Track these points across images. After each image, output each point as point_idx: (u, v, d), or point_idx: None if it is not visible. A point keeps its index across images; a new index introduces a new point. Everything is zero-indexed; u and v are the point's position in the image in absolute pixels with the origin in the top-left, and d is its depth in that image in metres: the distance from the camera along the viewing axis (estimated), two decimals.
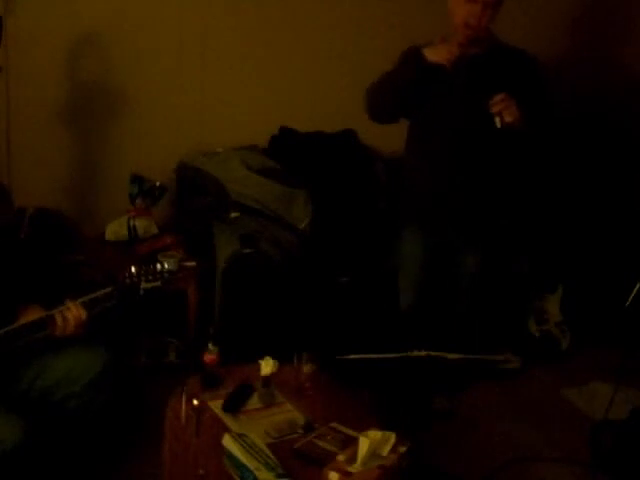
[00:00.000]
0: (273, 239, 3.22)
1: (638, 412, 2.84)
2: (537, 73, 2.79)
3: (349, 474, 1.86)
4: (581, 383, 3.35)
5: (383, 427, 2.01)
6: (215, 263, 3.17)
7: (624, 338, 2.76)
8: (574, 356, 3.59)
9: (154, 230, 3.40)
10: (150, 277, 2.23)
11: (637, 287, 2.49)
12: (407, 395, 2.92)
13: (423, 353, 2.71)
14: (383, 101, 2.79)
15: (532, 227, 3.64)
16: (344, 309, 3.25)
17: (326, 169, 3.59)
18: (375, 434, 1.94)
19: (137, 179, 3.38)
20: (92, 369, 2.27)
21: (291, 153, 3.63)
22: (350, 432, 2.09)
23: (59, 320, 2.14)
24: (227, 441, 1.96)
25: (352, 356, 2.69)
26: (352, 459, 1.90)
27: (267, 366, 2.31)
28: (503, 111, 2.59)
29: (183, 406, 2.17)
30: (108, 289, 2.20)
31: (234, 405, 2.23)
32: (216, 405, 2.23)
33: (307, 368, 2.35)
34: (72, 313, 2.15)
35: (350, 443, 1.99)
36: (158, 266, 2.25)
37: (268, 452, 1.93)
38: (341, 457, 1.92)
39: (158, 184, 3.41)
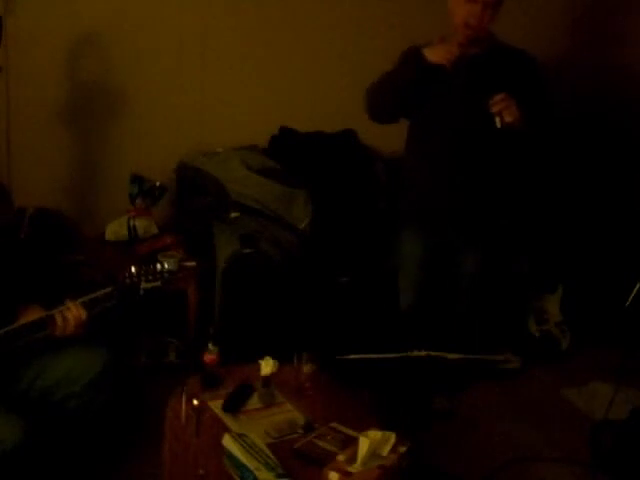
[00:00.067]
0: (273, 239, 3.22)
1: (638, 412, 2.84)
2: (537, 73, 2.79)
3: (349, 474, 1.86)
4: (581, 383, 3.34)
5: (383, 427, 2.00)
6: (215, 263, 3.17)
7: (624, 338, 2.77)
8: (574, 356, 3.59)
9: (154, 230, 3.40)
10: (150, 277, 2.23)
11: (637, 287, 2.49)
12: (407, 395, 2.92)
13: (423, 353, 2.71)
14: (383, 101, 2.79)
15: (532, 227, 3.64)
16: (344, 309, 3.25)
17: (326, 169, 3.59)
18: (375, 434, 1.94)
19: (137, 179, 3.38)
20: (92, 369, 2.27)
21: (291, 153, 3.63)
22: (350, 432, 2.09)
23: (59, 320, 2.14)
24: (227, 441, 1.96)
25: (352, 356, 2.69)
26: (352, 459, 1.90)
27: (267, 366, 2.31)
28: (503, 111, 2.59)
29: (183, 406, 2.17)
30: (108, 289, 2.20)
31: (234, 405, 2.23)
32: (216, 405, 2.23)
33: (307, 368, 2.35)
34: (72, 313, 2.15)
35: (350, 443, 1.99)
36: (158, 266, 2.25)
37: (268, 452, 1.93)
38: (341, 457, 1.92)
39: (158, 184, 3.41)
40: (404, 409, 2.82)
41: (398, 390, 2.92)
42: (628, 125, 3.97)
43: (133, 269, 2.22)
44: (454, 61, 2.63)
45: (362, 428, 1.99)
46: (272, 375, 2.31)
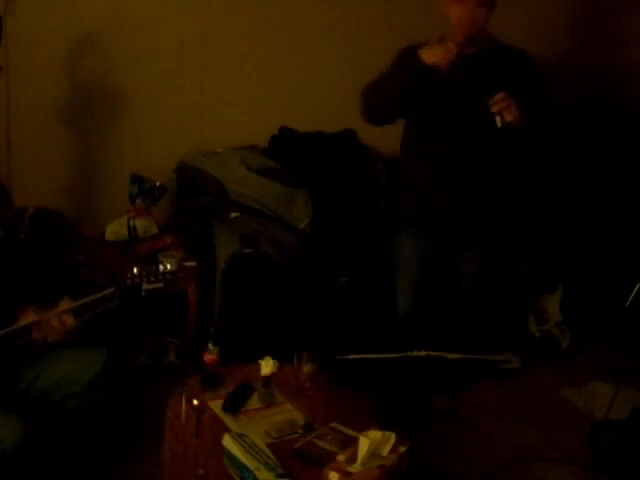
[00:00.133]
0: (273, 239, 3.22)
1: (638, 412, 2.84)
2: (537, 73, 2.79)
3: (349, 474, 1.86)
4: (581, 383, 3.34)
5: (383, 427, 2.00)
6: (215, 263, 3.17)
7: (624, 338, 2.76)
8: (574, 356, 3.59)
9: (154, 230, 3.40)
10: (152, 278, 2.22)
11: (637, 287, 2.49)
12: (407, 395, 2.92)
13: (423, 353, 2.71)
14: (379, 102, 2.78)
15: (532, 227, 3.64)
16: (344, 309, 3.25)
17: (326, 169, 3.59)
18: (375, 434, 1.94)
19: (137, 179, 3.38)
20: (92, 369, 2.28)
21: (291, 153, 3.63)
22: (350, 432, 2.09)
23: (37, 336, 2.14)
24: (227, 441, 1.96)
25: (352, 356, 2.68)
26: (352, 459, 1.90)
27: (267, 366, 2.31)
28: (504, 110, 2.58)
29: (183, 406, 2.17)
30: (110, 290, 2.20)
31: (234, 405, 2.23)
32: (216, 405, 2.23)
33: (307, 368, 2.35)
34: (57, 322, 2.15)
35: (350, 443, 1.99)
36: (160, 267, 2.24)
37: (268, 452, 1.93)
38: (341, 457, 1.92)
39: (158, 184, 3.41)
40: (404, 409, 2.82)
41: (398, 390, 2.92)
42: (628, 125, 3.97)
43: (135, 270, 2.21)
44: (452, 61, 2.62)
45: (362, 428, 1.99)
46: (272, 375, 2.31)
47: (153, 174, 3.43)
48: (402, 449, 1.96)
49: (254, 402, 2.27)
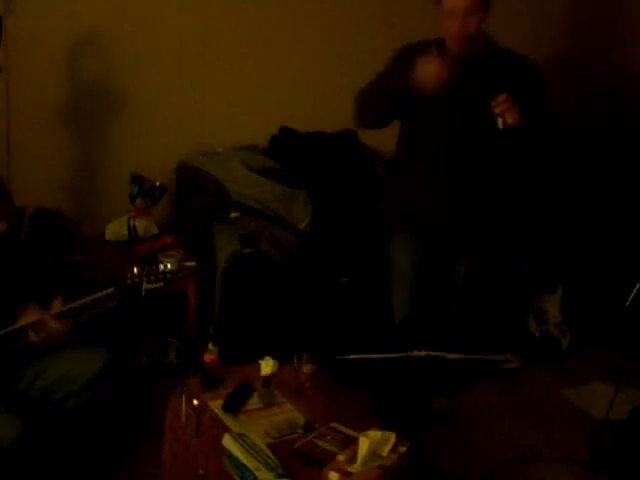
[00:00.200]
0: (273, 239, 3.22)
1: (638, 412, 2.84)
2: (536, 78, 2.78)
3: (349, 474, 1.86)
4: (581, 383, 3.34)
5: (383, 427, 2.00)
6: (215, 263, 3.17)
7: (624, 338, 2.77)
8: (574, 356, 3.59)
9: (154, 230, 3.40)
10: (152, 278, 2.22)
11: (637, 287, 2.49)
12: (407, 395, 2.92)
13: (423, 353, 2.70)
14: (376, 105, 2.76)
15: (532, 227, 3.64)
16: (344, 309, 3.25)
17: (326, 169, 3.59)
18: (375, 434, 1.94)
19: (137, 179, 3.38)
20: (91, 369, 2.28)
21: (291, 153, 3.63)
22: (350, 432, 2.09)
23: (34, 338, 2.14)
24: (227, 441, 1.96)
25: (352, 356, 2.68)
26: (352, 459, 1.90)
27: (267, 366, 2.31)
28: (506, 112, 2.58)
29: (183, 406, 2.17)
30: (110, 290, 2.20)
31: (234, 405, 2.23)
32: (216, 405, 2.23)
33: (307, 368, 2.35)
34: (47, 327, 2.14)
35: (350, 443, 1.99)
36: (160, 267, 2.24)
37: (268, 452, 1.93)
38: (341, 457, 1.92)
39: (158, 184, 3.41)
40: (404, 409, 2.82)
41: (398, 390, 2.92)
42: (628, 125, 3.97)
43: (135, 270, 2.22)
44: (442, 87, 2.57)
45: (362, 428, 1.99)
46: (272, 375, 2.31)
47: (153, 174, 3.43)
48: (402, 449, 1.96)
49: (254, 402, 2.28)
